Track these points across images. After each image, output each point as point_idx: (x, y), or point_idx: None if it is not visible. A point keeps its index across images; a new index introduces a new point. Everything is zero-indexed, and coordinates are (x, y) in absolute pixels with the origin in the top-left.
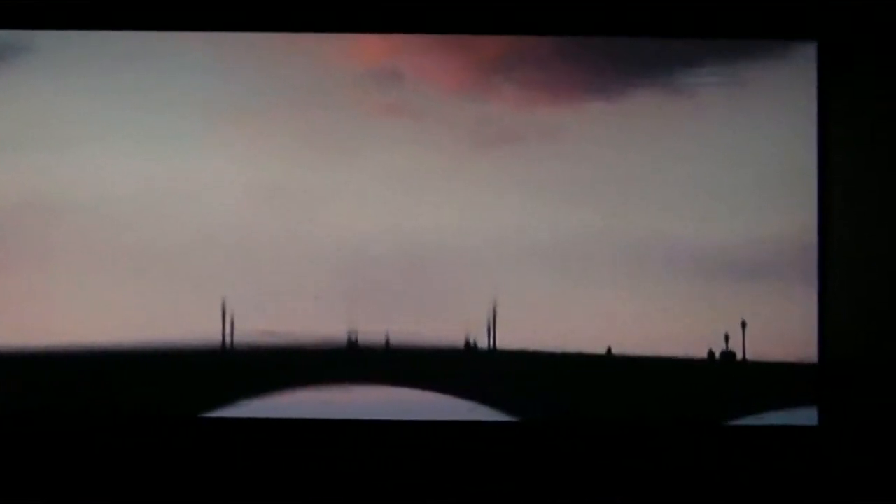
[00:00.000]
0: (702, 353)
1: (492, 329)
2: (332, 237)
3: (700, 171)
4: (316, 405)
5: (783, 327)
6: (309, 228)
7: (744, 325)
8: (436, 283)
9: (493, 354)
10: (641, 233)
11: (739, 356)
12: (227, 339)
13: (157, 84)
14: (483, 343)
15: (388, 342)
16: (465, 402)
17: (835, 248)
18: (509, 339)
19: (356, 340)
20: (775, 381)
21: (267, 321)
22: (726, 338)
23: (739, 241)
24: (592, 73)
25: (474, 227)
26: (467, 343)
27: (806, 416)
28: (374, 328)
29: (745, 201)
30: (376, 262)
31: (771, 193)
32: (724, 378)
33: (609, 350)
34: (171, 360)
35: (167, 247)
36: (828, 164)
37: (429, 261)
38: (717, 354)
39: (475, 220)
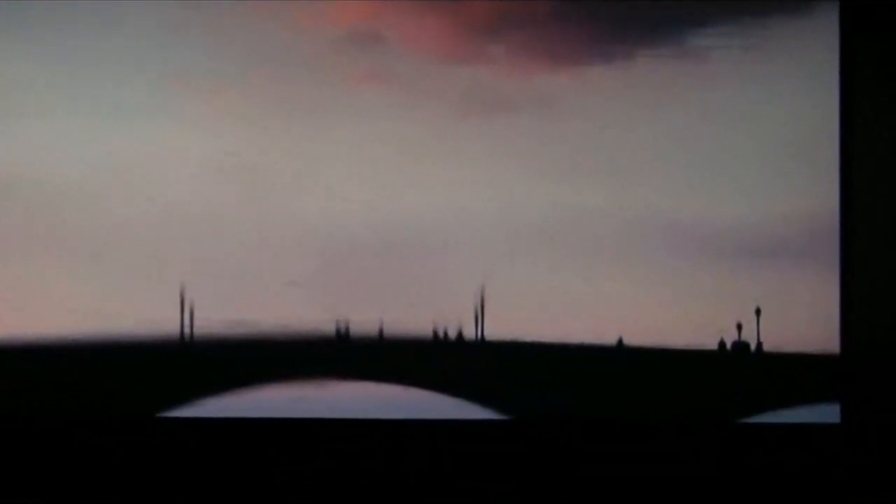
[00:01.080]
0: (712, 344)
1: (480, 318)
2: (304, 218)
3: (711, 144)
4: (286, 404)
5: (801, 315)
6: (279, 208)
7: (758, 312)
8: (420, 268)
9: (482, 346)
10: (646, 212)
11: (753, 347)
12: (187, 329)
13: (109, 50)
14: (470, 334)
15: (367, 334)
16: (451, 399)
17: (859, 226)
18: (499, 329)
19: (332, 332)
20: (793, 374)
21: (231, 310)
22: (739, 327)
23: (753, 219)
24: (593, 35)
25: (462, 206)
26: (452, 334)
27: (827, 413)
28: (352, 318)
29: (760, 176)
30: (354, 244)
31: (788, 167)
32: (737, 371)
33: (616, 341)
34: (125, 354)
35: (120, 228)
36: (851, 135)
37: (412, 243)
38: (729, 345)
39: (463, 199)
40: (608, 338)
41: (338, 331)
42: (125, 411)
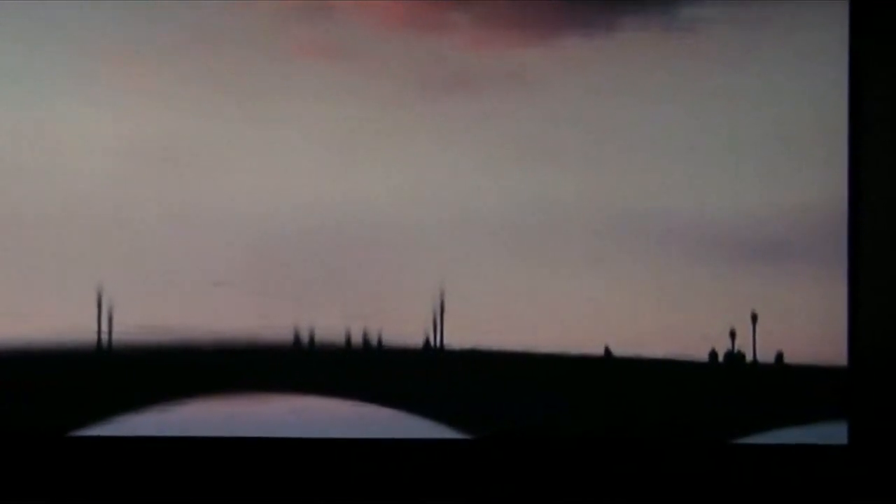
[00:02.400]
0: (702, 355)
1: (439, 324)
2: (237, 209)
3: (704, 130)
4: (217, 420)
5: (804, 321)
6: (210, 198)
7: (754, 318)
8: (370, 267)
9: (441, 356)
10: (629, 204)
11: (749, 358)
12: (104, 336)
13: (9, 15)
14: (429, 341)
15: (307, 341)
16: (407, 415)
17: (869, 222)
18: (462, 336)
19: (269, 339)
20: (794, 389)
21: (153, 314)
22: (732, 335)
23: (749, 213)
24: (570, 2)
25: (419, 197)
26: (407, 342)
27: (834, 434)
28: (292, 323)
29: (758, 166)
30: (294, 240)
31: (790, 156)
32: (731, 385)
33: (589, 351)
34: (31, 364)
35: (25, 221)
36: (862, 121)
37: (361, 239)
38: (721, 356)
39: (420, 188)
40: (581, 346)
41: (275, 338)
42: (31, 429)
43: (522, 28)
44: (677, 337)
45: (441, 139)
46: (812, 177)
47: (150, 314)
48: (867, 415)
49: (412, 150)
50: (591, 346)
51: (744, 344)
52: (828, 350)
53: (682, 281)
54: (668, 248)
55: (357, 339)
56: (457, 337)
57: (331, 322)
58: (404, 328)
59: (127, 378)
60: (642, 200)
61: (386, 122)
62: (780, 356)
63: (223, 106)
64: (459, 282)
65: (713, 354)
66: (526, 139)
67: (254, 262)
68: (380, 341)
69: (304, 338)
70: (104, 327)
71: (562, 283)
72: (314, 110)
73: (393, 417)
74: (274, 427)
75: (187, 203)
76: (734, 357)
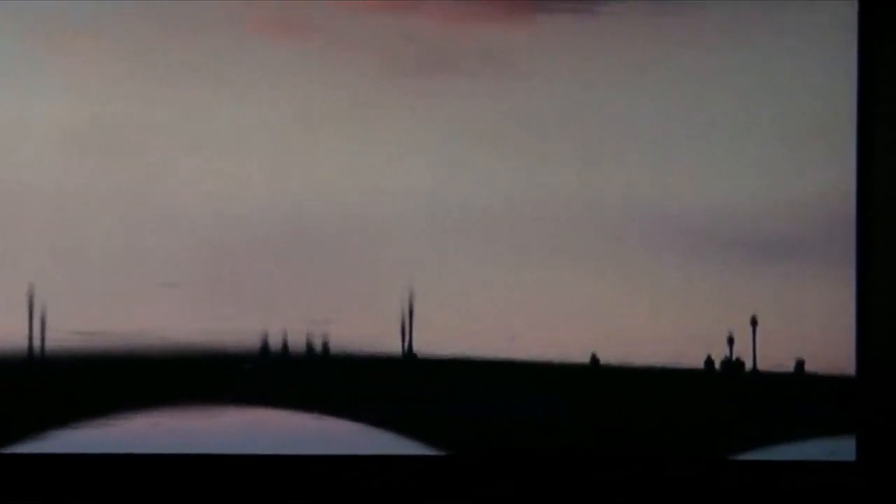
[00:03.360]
0: (697, 362)
1: (408, 329)
2: (189, 202)
3: (700, 118)
4: (162, 437)
5: (808, 326)
6: (158, 190)
7: (754, 322)
8: (333, 266)
9: (410, 364)
10: (619, 198)
11: (748, 366)
12: (36, 343)
13: None
14: (395, 348)
15: (264, 348)
16: (370, 429)
17: (879, 219)
18: (432, 343)
19: (221, 345)
20: (797, 400)
21: (93, 319)
22: (730, 340)
23: (750, 210)
24: None
25: (387, 188)
26: (373, 348)
27: (841, 449)
28: (247, 328)
29: (759, 158)
30: (250, 235)
31: (794, 146)
32: (728, 396)
33: (574, 358)
34: None
35: None
36: (870, 109)
37: (324, 234)
38: (718, 363)
39: (389, 179)
40: (570, 353)
41: (229, 345)
42: None
43: (501, 6)
44: (671, 343)
45: (411, 125)
46: (818, 170)
47: (89, 318)
48: (877, 428)
49: (380, 138)
50: (577, 353)
51: (743, 351)
52: (834, 358)
53: (676, 282)
54: (662, 246)
55: (318, 345)
56: (427, 344)
57: (290, 327)
58: (370, 334)
59: (62, 389)
60: (633, 194)
61: (351, 106)
62: (781, 364)
63: (172, 88)
64: (431, 283)
65: (709, 362)
66: (505, 126)
67: (206, 260)
68: (343, 348)
69: (261, 344)
70: (36, 333)
71: (544, 285)
72: (272, 93)
73: (357, 431)
74: (227, 443)
75: (132, 194)
76: (732, 365)
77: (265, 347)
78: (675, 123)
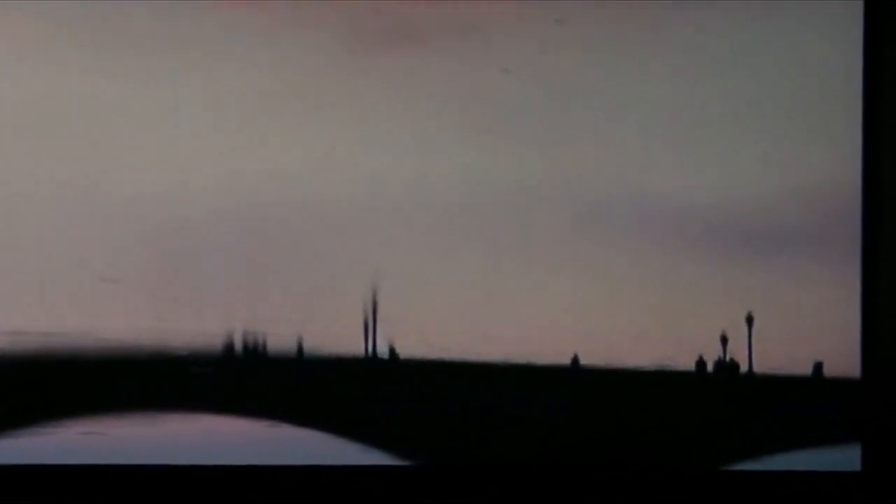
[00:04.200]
0: (688, 364)
1: (371, 329)
2: (132, 188)
3: (695, 99)
4: (102, 444)
5: (809, 325)
6: (97, 175)
7: (750, 321)
8: (289, 260)
9: (374, 367)
10: (604, 187)
11: (744, 368)
12: None
13: None
14: (358, 350)
15: (214, 348)
16: (330, 438)
17: (886, 210)
18: (398, 344)
19: (166, 346)
20: (798, 405)
21: (27, 318)
22: (724, 340)
23: (746, 199)
24: None
25: (350, 175)
26: (333, 349)
27: (845, 458)
28: (195, 327)
29: (758, 143)
30: (200, 226)
31: (795, 131)
32: (722, 401)
33: (554, 360)
34: None
35: None
36: (877, 92)
37: (279, 225)
38: (710, 365)
39: (351, 164)
40: (550, 355)
41: (175, 346)
42: None
43: None
44: (659, 343)
45: (377, 106)
46: (820, 157)
47: (23, 317)
48: (884, 436)
49: (342, 120)
50: (557, 354)
51: (737, 351)
52: (837, 359)
53: (665, 277)
54: (650, 238)
55: (273, 346)
56: (393, 344)
57: (244, 326)
58: (331, 334)
59: None
60: (620, 183)
61: (311, 84)
62: (780, 366)
63: (115, 64)
64: (397, 278)
65: (701, 363)
66: (481, 108)
67: (151, 252)
68: (300, 349)
69: (211, 345)
70: None
71: (522, 281)
72: (225, 70)
73: (316, 440)
74: (173, 453)
75: (69, 181)
76: (726, 367)
77: (216, 349)
78: (667, 106)
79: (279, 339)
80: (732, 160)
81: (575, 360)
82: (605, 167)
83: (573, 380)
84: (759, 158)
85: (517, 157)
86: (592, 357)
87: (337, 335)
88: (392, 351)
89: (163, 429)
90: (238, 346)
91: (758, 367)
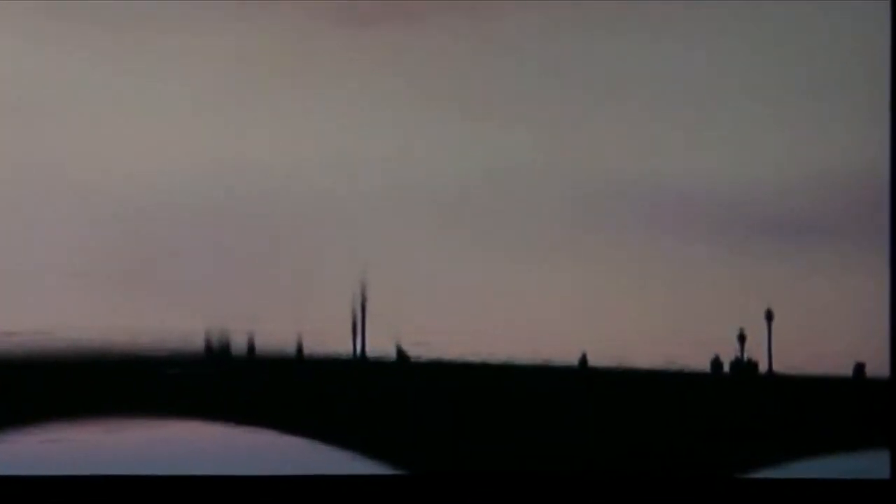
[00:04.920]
0: (702, 364)
1: (360, 327)
2: (101, 177)
3: (710, 74)
4: (63, 452)
5: (834, 321)
6: (64, 163)
7: (770, 316)
8: (269, 253)
9: (362, 369)
10: (611, 170)
11: (763, 368)
12: None
13: None
14: (345, 349)
15: (187, 348)
16: (316, 445)
17: None
18: (388, 343)
19: (134, 345)
20: (822, 407)
21: None
22: (741, 338)
23: (766, 183)
24: None
25: (335, 159)
26: (317, 349)
27: (873, 465)
28: (168, 326)
29: (779, 122)
30: (174, 217)
31: (818, 109)
32: (739, 403)
33: (560, 360)
34: None
35: None
36: None
37: (259, 215)
38: (727, 365)
39: (337, 148)
40: (555, 354)
41: (147, 345)
42: None
43: None
44: (672, 341)
45: (365, 85)
46: (846, 140)
47: None
48: None
49: (327, 99)
50: (563, 354)
51: (756, 350)
52: (864, 359)
53: (678, 269)
54: (660, 227)
55: (255, 346)
56: (383, 344)
57: (221, 325)
58: (317, 332)
59: None
60: (628, 166)
61: (294, 61)
62: (802, 366)
63: (82, 42)
64: (386, 272)
65: (717, 364)
66: (477, 85)
67: (121, 246)
68: (285, 349)
69: (185, 345)
70: None
71: (523, 274)
72: (201, 46)
73: (299, 447)
74: (142, 461)
75: (35, 169)
76: (744, 367)
77: (193, 349)
78: (678, 82)
79: (260, 338)
80: (751, 143)
81: (583, 360)
82: (612, 150)
83: (581, 381)
84: (780, 141)
85: (518, 141)
86: (601, 357)
87: (323, 333)
88: (401, 352)
89: (134, 435)
90: (216, 345)
91: (778, 367)
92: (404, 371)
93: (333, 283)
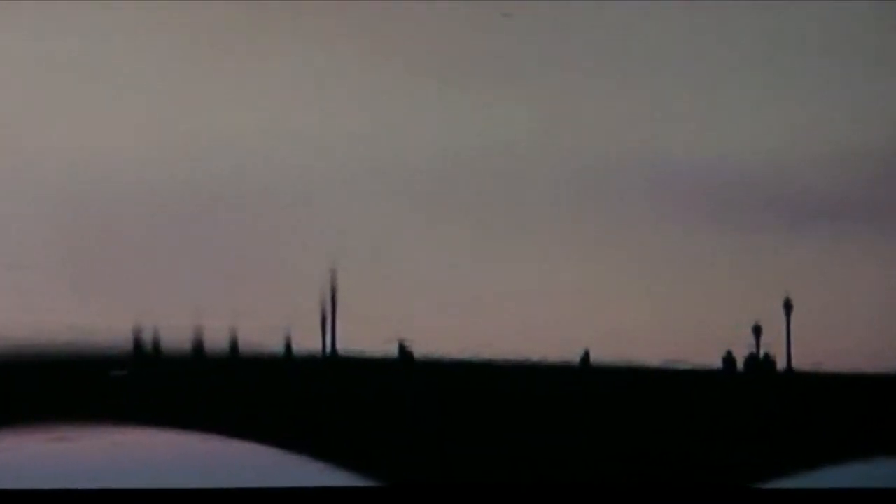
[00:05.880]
0: (714, 360)
1: (329, 323)
2: (45, 160)
3: (718, 48)
4: (7, 463)
5: (856, 312)
6: (12, 143)
7: (788, 307)
8: (230, 240)
9: (332, 368)
10: (613, 147)
11: (781, 364)
12: None
13: None
14: (314, 345)
15: (143, 347)
16: (280, 454)
17: None
18: (360, 340)
19: (86, 344)
20: (843, 408)
21: None
22: (757, 331)
23: (781, 162)
24: None
25: (303, 135)
26: (284, 347)
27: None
28: (118, 322)
29: (795, 95)
30: (126, 202)
31: (838, 82)
32: (753, 404)
33: (560, 357)
34: None
35: None
36: None
37: (218, 198)
38: (741, 362)
39: (305, 123)
40: (553, 351)
41: (95, 343)
42: None
43: None
44: (680, 336)
45: (340, 51)
46: (867, 111)
47: None
48: None
49: (295, 67)
50: (563, 350)
51: (773, 344)
52: (888, 353)
53: (688, 256)
54: (666, 210)
55: (214, 344)
56: (355, 340)
57: (175, 322)
58: (281, 328)
59: None
60: (632, 142)
61: (260, 26)
62: (823, 362)
63: (18, 22)
64: (359, 260)
65: (729, 360)
66: (464, 52)
67: (66, 235)
68: (245, 347)
69: (139, 342)
70: None
71: (515, 263)
72: (156, 12)
73: (261, 456)
74: (95, 473)
75: None
76: (759, 363)
77: (141, 348)
78: (685, 59)
79: (217, 336)
80: (765, 120)
81: (585, 356)
82: (614, 125)
83: (583, 380)
84: (796, 118)
85: (511, 115)
86: (604, 353)
87: (288, 329)
88: (403, 349)
89: (79, 444)
90: (166, 344)
91: (797, 363)
92: (392, 370)
93: (299, 274)
